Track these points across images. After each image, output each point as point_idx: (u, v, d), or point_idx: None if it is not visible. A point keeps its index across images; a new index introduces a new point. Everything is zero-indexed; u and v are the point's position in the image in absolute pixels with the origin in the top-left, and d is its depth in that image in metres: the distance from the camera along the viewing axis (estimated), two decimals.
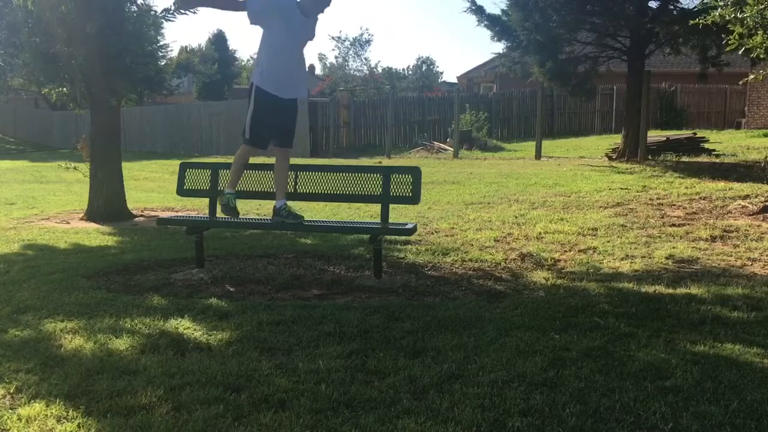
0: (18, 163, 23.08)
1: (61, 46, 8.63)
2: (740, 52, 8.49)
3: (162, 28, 30.60)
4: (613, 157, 14.86)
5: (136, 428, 2.85)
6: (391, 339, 3.89)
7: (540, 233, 7.03)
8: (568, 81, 15.14)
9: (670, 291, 4.89)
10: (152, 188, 13.60)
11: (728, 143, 16.95)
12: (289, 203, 5.35)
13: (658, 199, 9.00)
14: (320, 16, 5.19)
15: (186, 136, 26.98)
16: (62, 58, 8.74)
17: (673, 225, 7.35)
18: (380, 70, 49.07)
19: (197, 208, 9.44)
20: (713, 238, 6.68)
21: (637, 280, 5.21)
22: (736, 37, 7.85)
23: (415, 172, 5.46)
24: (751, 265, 5.73)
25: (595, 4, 14.16)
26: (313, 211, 8.85)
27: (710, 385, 3.19)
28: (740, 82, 10.96)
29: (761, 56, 8.23)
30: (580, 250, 6.30)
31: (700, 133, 16.41)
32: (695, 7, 13.62)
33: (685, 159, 13.88)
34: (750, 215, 7.76)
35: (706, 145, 15.03)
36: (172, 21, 9.40)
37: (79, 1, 8.36)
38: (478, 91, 32.44)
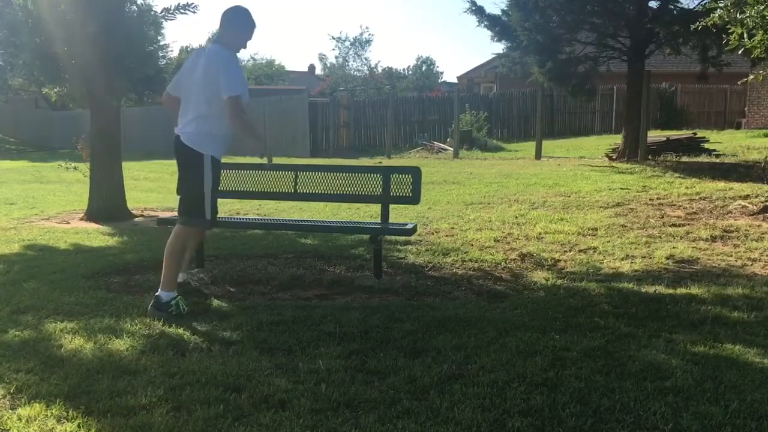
0: (18, 163, 23.08)
1: (60, 46, 8.63)
2: (740, 52, 8.48)
3: (162, 28, 30.56)
4: (614, 157, 14.86)
5: (136, 428, 2.85)
6: (391, 339, 3.89)
7: (540, 233, 7.03)
8: (568, 81, 15.15)
9: (671, 291, 4.89)
10: (152, 188, 13.60)
11: (728, 143, 16.95)
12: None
13: (658, 199, 9.00)
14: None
15: None
16: (62, 57, 8.74)
17: (674, 225, 7.35)
18: (380, 70, 49.06)
19: None
20: (713, 238, 6.68)
21: (637, 281, 5.22)
22: (736, 37, 7.84)
23: (415, 172, 5.46)
24: (752, 265, 5.74)
25: (595, 4, 14.16)
26: (313, 211, 8.85)
27: (710, 385, 3.19)
28: (739, 82, 10.96)
29: (761, 56, 8.23)
30: (580, 250, 6.30)
31: (700, 133, 16.41)
32: (695, 7, 13.63)
33: (685, 159, 13.89)
34: (750, 215, 7.76)
35: (706, 145, 15.04)
36: (172, 20, 9.40)
37: (79, 1, 8.36)
38: (478, 91, 32.44)
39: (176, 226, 4.58)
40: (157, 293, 4.45)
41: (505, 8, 15.29)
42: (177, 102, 4.69)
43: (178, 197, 4.68)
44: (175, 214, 4.86)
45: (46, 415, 2.99)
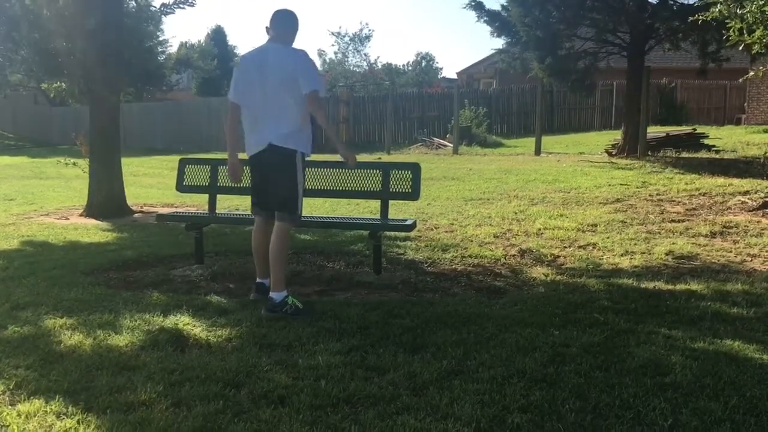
0: (17, 159, 23.07)
1: (59, 42, 8.63)
2: (740, 48, 8.47)
3: (161, 23, 30.52)
4: (613, 153, 14.84)
5: (135, 424, 2.85)
6: (390, 335, 3.89)
7: (539, 229, 7.03)
8: (567, 77, 15.11)
9: (670, 287, 4.89)
10: (151, 184, 13.59)
11: (728, 139, 16.93)
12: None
13: (657, 195, 8.99)
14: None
15: (185, 132, 26.94)
16: (61, 53, 8.74)
17: (673, 221, 7.35)
18: (380, 66, 48.99)
19: (197, 204, 9.43)
20: (713, 234, 6.68)
21: (636, 276, 5.22)
22: (736, 32, 7.83)
23: (414, 168, 5.46)
24: (751, 261, 5.74)
25: None
26: (312, 207, 8.84)
27: (710, 381, 3.20)
28: (740, 79, 10.92)
29: (761, 52, 8.22)
30: (579, 246, 6.30)
31: (699, 129, 16.39)
32: (695, 2, 13.59)
33: (684, 155, 13.87)
34: (750, 211, 7.76)
35: (705, 141, 15.02)
36: (171, 14, 9.40)
37: None
38: (477, 87, 32.39)
39: (278, 227, 4.49)
40: (269, 295, 4.42)
41: (505, 3, 15.23)
42: (240, 110, 4.61)
43: (274, 200, 4.56)
44: (174, 210, 4.85)
45: (46, 411, 2.99)
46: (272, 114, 4.45)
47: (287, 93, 4.40)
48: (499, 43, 18.72)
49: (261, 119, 4.49)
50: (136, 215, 9.16)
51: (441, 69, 54.62)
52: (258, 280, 4.80)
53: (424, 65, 51.28)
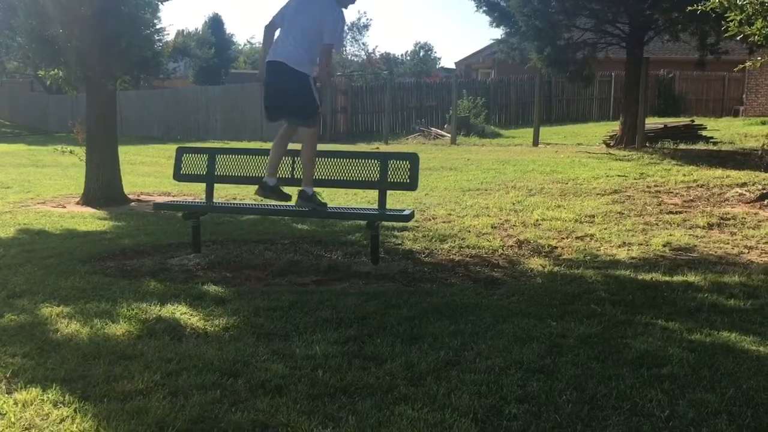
0: (14, 146, 22.97)
1: (56, 29, 8.57)
2: (738, 39, 8.44)
3: (159, 11, 30.34)
4: (611, 144, 14.84)
5: (132, 413, 2.84)
6: (388, 325, 3.89)
7: (537, 220, 7.03)
8: (566, 67, 15.08)
9: (667, 278, 4.90)
10: (149, 173, 13.56)
11: (726, 131, 16.93)
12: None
13: (655, 186, 8.99)
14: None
15: (183, 121, 26.85)
16: (58, 40, 8.67)
17: (671, 212, 7.35)
18: (378, 56, 48.79)
19: (194, 193, 9.41)
20: (710, 226, 6.68)
21: (634, 268, 5.22)
22: (735, 24, 7.81)
23: (412, 159, 5.44)
24: (748, 252, 5.74)
25: None
26: None
27: (706, 372, 3.20)
28: (736, 69, 10.89)
29: (759, 42, 8.19)
30: (577, 237, 6.30)
31: (698, 121, 16.39)
32: None
33: (682, 146, 13.87)
34: (747, 203, 7.77)
35: (703, 133, 15.02)
36: (168, 1, 9.34)
37: None
38: (476, 77, 32.29)
39: (303, 134, 5.19)
40: (301, 189, 5.18)
41: None
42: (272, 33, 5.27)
43: (294, 116, 5.19)
44: (172, 198, 4.87)
45: (43, 399, 2.99)
46: (294, 40, 5.02)
47: (313, 35, 4.99)
48: (498, 33, 18.61)
49: (285, 38, 5.09)
50: (133, 204, 9.14)
51: (439, 59, 54.60)
52: (264, 178, 5.20)
53: (423, 55, 51.12)
